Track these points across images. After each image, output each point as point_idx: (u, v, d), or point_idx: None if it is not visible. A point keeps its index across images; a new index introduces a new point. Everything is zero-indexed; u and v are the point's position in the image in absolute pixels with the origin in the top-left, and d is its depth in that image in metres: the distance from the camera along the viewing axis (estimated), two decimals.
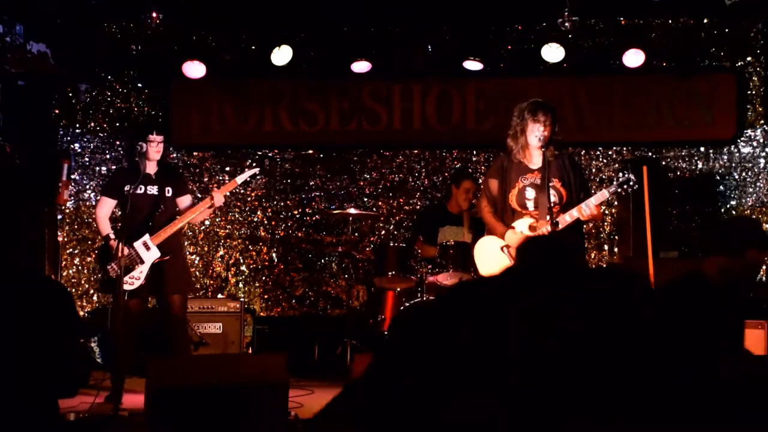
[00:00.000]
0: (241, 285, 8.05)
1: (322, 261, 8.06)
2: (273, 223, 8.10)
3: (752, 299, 6.98)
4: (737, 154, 7.62)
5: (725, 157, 7.69)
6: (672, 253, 6.69)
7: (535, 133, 4.95)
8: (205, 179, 8.00)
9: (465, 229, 6.67)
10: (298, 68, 7.64)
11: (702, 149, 7.76)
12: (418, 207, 7.97)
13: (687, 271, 3.75)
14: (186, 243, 7.55)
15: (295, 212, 8.09)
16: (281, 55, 7.37)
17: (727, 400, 2.42)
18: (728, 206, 7.63)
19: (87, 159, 7.77)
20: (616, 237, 7.66)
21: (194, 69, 7.48)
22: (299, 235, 8.06)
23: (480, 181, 7.08)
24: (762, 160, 7.49)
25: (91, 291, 7.62)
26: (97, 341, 6.81)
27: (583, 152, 7.80)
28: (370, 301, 6.89)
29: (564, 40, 7.23)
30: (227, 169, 8.00)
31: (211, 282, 7.99)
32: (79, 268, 7.66)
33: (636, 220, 6.70)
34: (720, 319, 3.52)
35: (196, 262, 7.97)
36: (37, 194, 6.79)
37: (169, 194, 5.54)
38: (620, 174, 5.03)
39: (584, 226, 5.45)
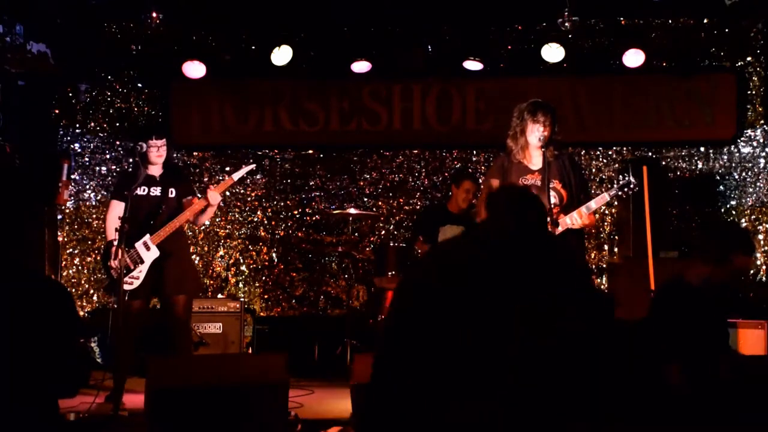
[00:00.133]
0: (241, 285, 8.05)
1: (322, 261, 8.05)
2: (273, 223, 8.10)
3: (751, 299, 7.00)
4: (737, 154, 7.62)
5: (725, 157, 7.68)
6: (672, 253, 6.68)
7: (535, 133, 4.94)
8: (205, 179, 8.00)
9: (465, 229, 6.66)
10: (298, 68, 7.64)
11: (702, 149, 7.76)
12: (418, 207, 7.97)
13: (669, 278, 3.81)
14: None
15: (295, 212, 8.09)
16: (281, 55, 7.37)
17: (727, 400, 2.42)
18: (728, 206, 7.63)
19: (87, 159, 7.77)
20: (616, 237, 7.65)
21: (194, 69, 7.48)
22: (299, 235, 8.06)
23: (480, 181, 7.08)
24: (762, 160, 7.49)
25: (91, 291, 7.62)
26: (97, 341, 6.81)
27: (583, 152, 7.80)
28: (370, 301, 6.89)
29: (564, 40, 7.23)
30: (227, 169, 7.98)
31: (211, 282, 7.99)
32: (79, 268, 7.66)
33: (636, 220, 6.70)
34: (703, 322, 3.52)
35: (196, 262, 7.96)
36: (37, 194, 6.79)
37: (173, 195, 5.52)
38: (620, 177, 5.02)
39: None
